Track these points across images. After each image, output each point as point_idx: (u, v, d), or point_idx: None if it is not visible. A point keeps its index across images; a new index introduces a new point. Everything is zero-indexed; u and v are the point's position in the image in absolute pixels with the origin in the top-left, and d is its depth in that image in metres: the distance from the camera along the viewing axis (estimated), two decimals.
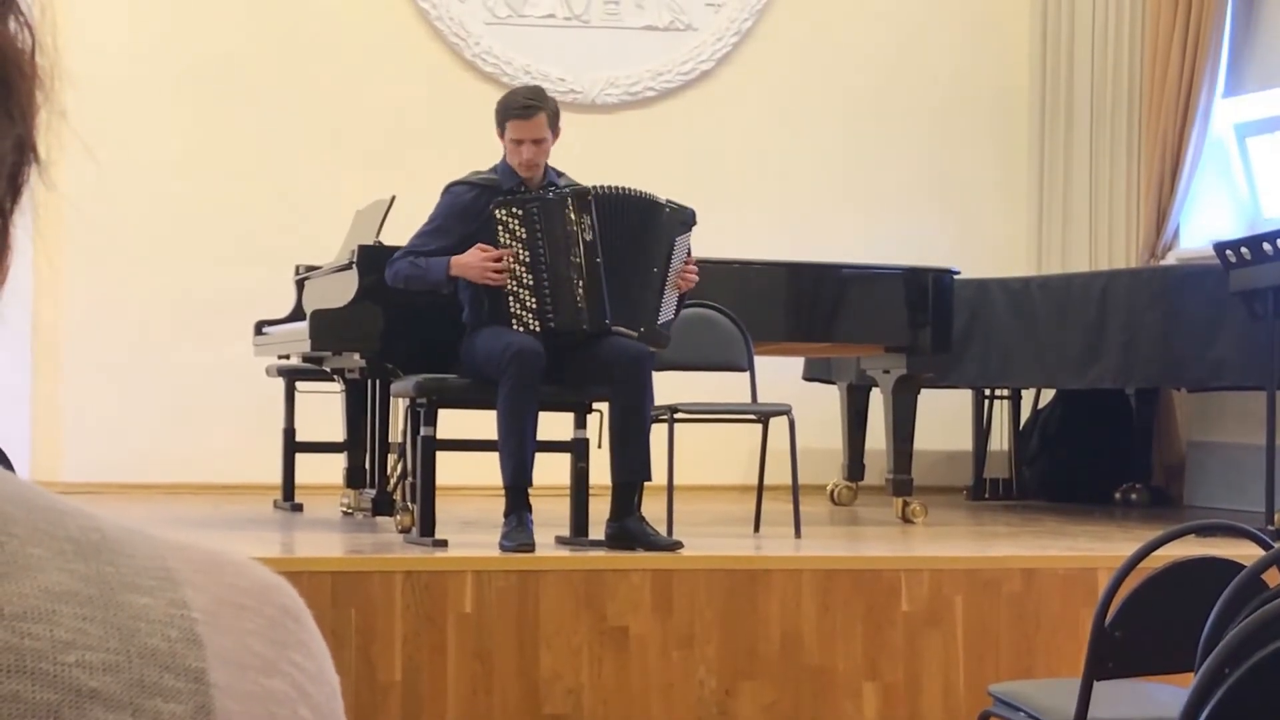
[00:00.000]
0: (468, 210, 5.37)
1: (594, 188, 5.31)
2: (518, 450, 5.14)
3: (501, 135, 5.39)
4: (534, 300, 5.24)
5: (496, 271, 5.21)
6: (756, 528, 6.11)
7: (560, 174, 5.50)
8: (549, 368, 5.21)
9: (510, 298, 5.24)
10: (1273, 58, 8.16)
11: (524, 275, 5.25)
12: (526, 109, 5.32)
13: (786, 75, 9.04)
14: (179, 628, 0.64)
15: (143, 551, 0.66)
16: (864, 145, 9.08)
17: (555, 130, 5.38)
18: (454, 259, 5.27)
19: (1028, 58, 9.26)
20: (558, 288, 5.24)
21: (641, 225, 5.34)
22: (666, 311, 5.37)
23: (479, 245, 5.24)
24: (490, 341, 5.22)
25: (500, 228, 5.25)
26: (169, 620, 0.64)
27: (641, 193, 5.38)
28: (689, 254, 5.42)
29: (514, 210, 5.26)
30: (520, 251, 5.24)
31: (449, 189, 5.47)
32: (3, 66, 0.65)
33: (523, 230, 5.25)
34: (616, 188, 5.36)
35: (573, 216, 5.26)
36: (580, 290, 5.24)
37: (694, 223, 5.42)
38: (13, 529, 0.63)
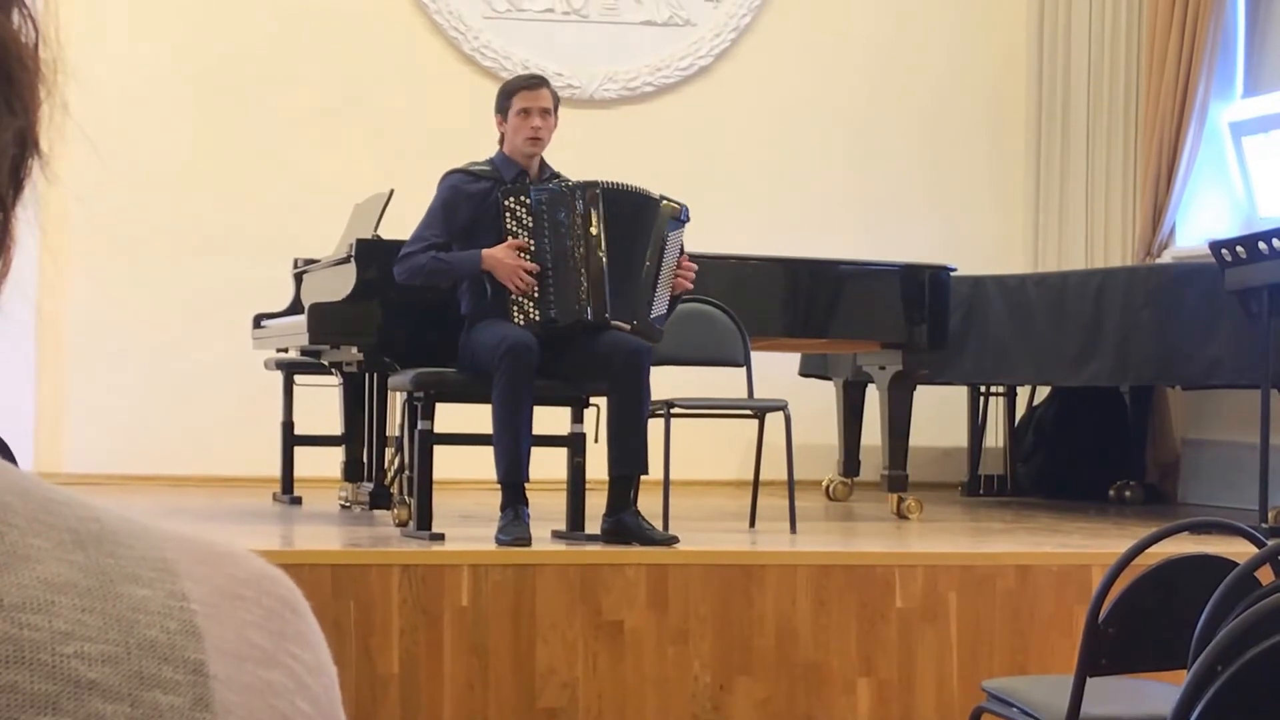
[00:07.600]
0: (469, 199, 5.37)
1: (601, 181, 5.34)
2: (512, 445, 5.13)
3: (503, 118, 5.40)
4: (537, 289, 5.24)
5: (523, 279, 5.22)
6: (752, 523, 6.11)
7: (556, 173, 5.50)
8: (546, 362, 5.20)
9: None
10: None
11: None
12: (535, 80, 5.48)
13: (784, 71, 9.04)
14: (178, 619, 0.63)
15: (142, 542, 0.65)
16: (861, 142, 9.08)
17: (556, 115, 5.42)
18: (485, 253, 5.24)
19: (1025, 55, 9.25)
20: (562, 278, 5.24)
21: (640, 220, 5.35)
22: (659, 306, 5.37)
23: (513, 243, 5.24)
24: (486, 336, 5.22)
25: (508, 215, 5.25)
26: (168, 611, 0.63)
27: (639, 188, 5.40)
28: (682, 250, 5.43)
29: (523, 199, 5.27)
30: (526, 240, 5.25)
31: (447, 177, 5.46)
32: (5, 59, 0.64)
33: (530, 220, 5.26)
34: (618, 183, 5.38)
35: (580, 208, 5.27)
36: (584, 282, 5.25)
37: (687, 218, 5.43)
38: (12, 519, 0.62)
